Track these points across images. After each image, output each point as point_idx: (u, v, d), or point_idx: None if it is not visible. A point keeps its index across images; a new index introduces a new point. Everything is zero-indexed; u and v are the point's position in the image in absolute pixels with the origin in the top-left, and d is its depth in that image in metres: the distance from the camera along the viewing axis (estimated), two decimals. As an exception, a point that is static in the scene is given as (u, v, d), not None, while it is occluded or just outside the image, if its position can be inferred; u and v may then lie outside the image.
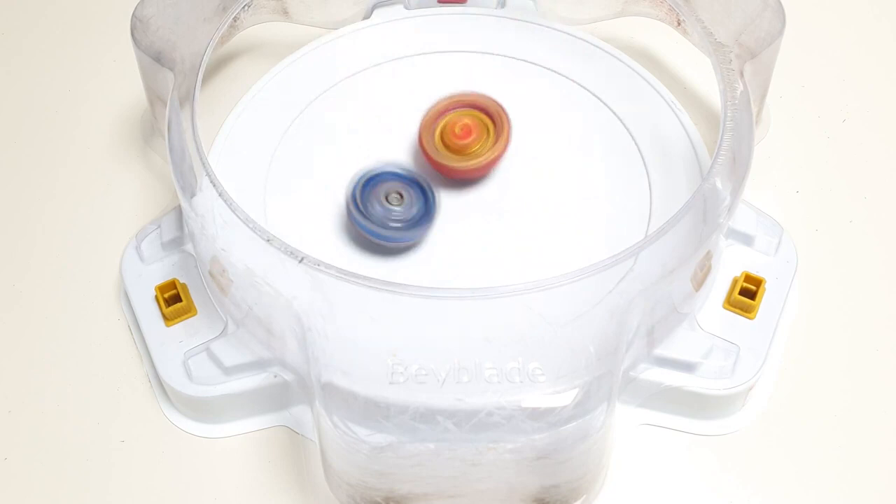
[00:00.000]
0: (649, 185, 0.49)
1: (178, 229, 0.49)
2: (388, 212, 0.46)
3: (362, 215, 0.46)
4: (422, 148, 0.49)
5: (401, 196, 0.47)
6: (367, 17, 0.56)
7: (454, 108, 0.49)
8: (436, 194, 0.47)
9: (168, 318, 0.47)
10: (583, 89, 0.53)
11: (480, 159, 0.48)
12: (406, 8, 0.56)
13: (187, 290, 0.47)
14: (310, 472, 0.45)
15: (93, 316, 0.49)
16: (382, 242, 0.47)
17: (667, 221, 0.43)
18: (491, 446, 0.40)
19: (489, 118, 0.49)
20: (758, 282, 0.47)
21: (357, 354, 0.41)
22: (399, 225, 0.46)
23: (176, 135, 0.46)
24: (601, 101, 0.53)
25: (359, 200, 0.46)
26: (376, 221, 0.46)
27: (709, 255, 0.45)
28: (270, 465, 0.45)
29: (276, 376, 0.45)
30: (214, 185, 0.44)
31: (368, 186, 0.47)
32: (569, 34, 0.55)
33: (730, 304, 0.47)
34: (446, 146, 0.48)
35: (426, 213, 0.47)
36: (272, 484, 0.45)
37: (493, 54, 0.55)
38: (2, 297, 0.50)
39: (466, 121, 0.49)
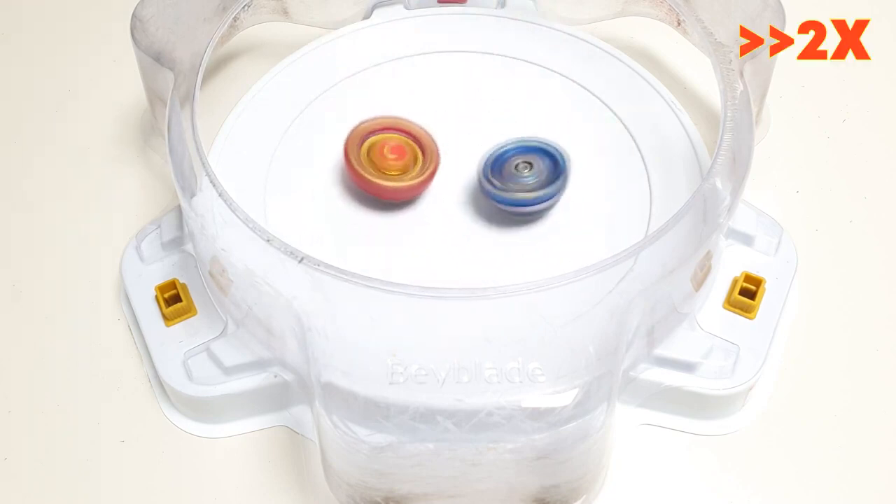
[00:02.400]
0: (649, 185, 0.49)
1: (178, 229, 0.49)
2: (520, 180, 0.48)
3: (499, 190, 0.47)
4: (347, 162, 0.49)
5: (529, 165, 0.48)
6: (367, 17, 0.56)
7: (384, 130, 0.49)
8: (564, 156, 0.48)
9: (168, 318, 0.47)
10: (583, 89, 0.53)
11: (404, 183, 0.48)
12: (406, 8, 0.56)
13: (187, 290, 0.47)
14: (310, 472, 0.45)
15: (93, 316, 0.49)
16: (524, 209, 0.48)
17: (667, 221, 0.43)
18: (491, 446, 0.40)
19: (418, 146, 0.49)
20: (758, 282, 0.47)
21: (357, 354, 0.41)
22: (535, 190, 0.48)
23: (176, 135, 0.46)
24: (601, 100, 0.53)
25: (492, 178, 0.48)
26: (513, 191, 0.47)
27: (709, 255, 0.45)
28: (270, 465, 0.45)
29: (276, 376, 0.45)
30: (214, 185, 0.44)
31: (497, 164, 0.48)
32: (569, 34, 0.55)
33: (730, 304, 0.47)
34: (373, 164, 0.48)
35: (557, 174, 0.48)
36: (272, 484, 0.45)
37: (493, 54, 0.55)
38: (2, 297, 0.50)
39: (397, 142, 0.49)
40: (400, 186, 0.48)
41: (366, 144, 0.49)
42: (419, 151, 0.49)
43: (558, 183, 0.48)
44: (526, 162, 0.48)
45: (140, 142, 0.55)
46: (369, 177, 0.48)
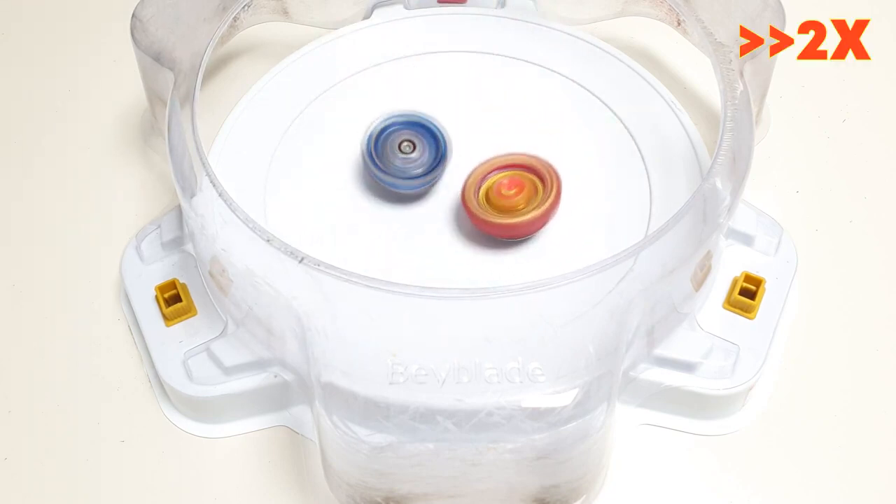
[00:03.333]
0: (649, 185, 0.49)
1: (178, 229, 0.49)
2: (404, 161, 0.47)
3: (381, 170, 0.47)
4: (465, 207, 0.48)
5: (413, 144, 0.47)
6: (367, 17, 0.56)
7: (500, 169, 0.48)
8: (445, 135, 0.48)
9: (168, 318, 0.47)
10: (583, 89, 0.53)
11: (527, 217, 0.47)
12: (406, 8, 0.56)
13: (187, 290, 0.47)
14: (310, 472, 0.45)
15: (93, 316, 0.49)
16: (405, 192, 0.48)
17: (667, 221, 0.43)
18: (491, 446, 0.40)
19: (537, 177, 0.48)
20: (758, 282, 0.47)
21: (357, 354, 0.41)
22: (418, 171, 0.47)
23: (176, 135, 0.46)
24: (601, 100, 0.53)
25: (375, 156, 0.47)
26: (395, 173, 0.47)
27: (709, 255, 0.45)
28: (270, 465, 0.45)
29: (276, 376, 0.45)
30: (214, 185, 0.44)
31: (380, 140, 0.48)
32: (569, 34, 0.55)
33: (730, 304, 0.47)
34: (491, 204, 0.47)
35: (440, 156, 0.48)
36: (272, 484, 0.45)
37: (493, 54, 0.55)
38: (2, 297, 0.50)
39: (514, 178, 0.48)
40: (525, 220, 0.47)
41: (482, 189, 0.48)
42: (536, 180, 0.48)
43: (439, 167, 0.47)
44: (409, 141, 0.48)
45: (140, 142, 0.55)
46: (494, 219, 0.47)
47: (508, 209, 0.47)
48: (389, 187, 0.48)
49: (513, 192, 0.47)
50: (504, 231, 0.47)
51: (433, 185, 0.48)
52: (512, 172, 0.48)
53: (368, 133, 0.48)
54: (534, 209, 0.47)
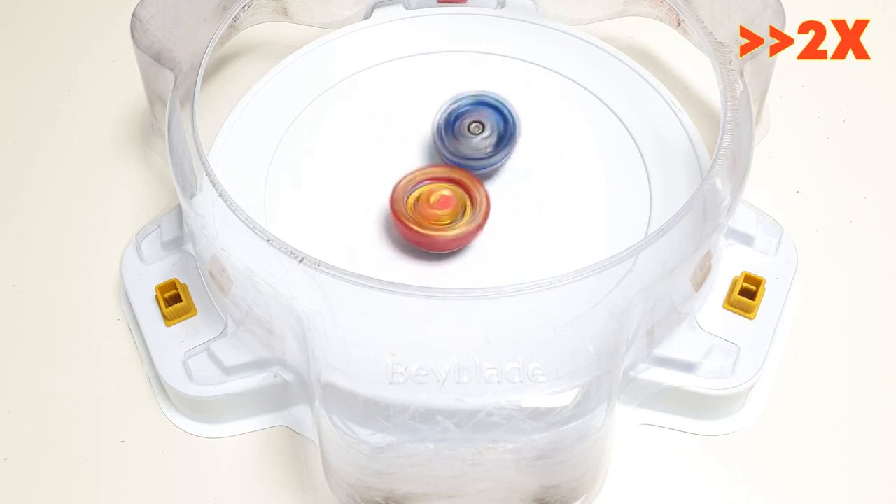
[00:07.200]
0: (649, 185, 0.49)
1: (178, 229, 0.49)
2: (474, 142, 0.49)
3: (451, 153, 0.48)
4: (394, 214, 0.47)
5: (481, 125, 0.49)
6: (367, 17, 0.56)
7: (435, 181, 0.48)
8: (514, 113, 0.49)
9: (168, 318, 0.47)
10: (583, 89, 0.53)
11: (455, 232, 0.47)
12: (406, 8, 0.56)
13: (187, 290, 0.47)
14: (310, 472, 0.45)
15: (93, 316, 0.49)
16: (480, 171, 0.49)
17: (667, 221, 0.43)
18: (491, 446, 0.40)
19: (466, 193, 0.48)
20: (758, 282, 0.47)
21: (357, 354, 0.41)
22: (489, 151, 0.49)
23: (176, 135, 0.46)
24: (601, 101, 0.53)
25: (445, 140, 0.48)
26: (467, 155, 0.48)
27: (709, 255, 0.45)
28: (270, 465, 0.45)
29: (276, 376, 0.45)
30: (214, 185, 0.44)
31: (449, 124, 0.49)
32: (569, 34, 0.55)
33: (730, 304, 0.47)
34: (417, 212, 0.47)
35: (509, 133, 0.49)
36: (272, 484, 0.45)
37: (493, 54, 0.55)
38: (2, 297, 0.50)
39: (444, 192, 0.48)
40: (449, 236, 0.47)
41: (412, 196, 0.48)
42: (467, 198, 0.48)
43: (509, 146, 0.49)
44: (478, 122, 0.49)
45: (140, 142, 0.55)
46: (419, 229, 0.46)
47: (432, 221, 0.47)
48: (468, 169, 0.49)
49: (439, 205, 0.47)
50: (422, 242, 0.47)
51: (503, 163, 0.49)
52: (447, 186, 0.48)
53: (437, 117, 0.49)
54: (457, 228, 0.47)
